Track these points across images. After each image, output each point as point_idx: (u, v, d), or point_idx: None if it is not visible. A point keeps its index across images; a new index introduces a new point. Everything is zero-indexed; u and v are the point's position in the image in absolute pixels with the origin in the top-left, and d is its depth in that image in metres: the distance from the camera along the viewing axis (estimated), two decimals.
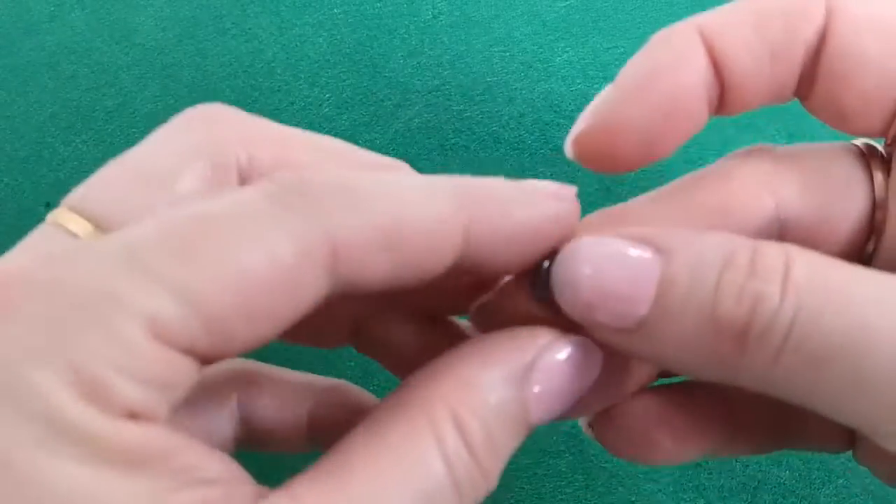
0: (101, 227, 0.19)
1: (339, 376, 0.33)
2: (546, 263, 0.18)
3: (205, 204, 0.15)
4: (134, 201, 0.19)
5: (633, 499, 0.31)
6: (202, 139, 0.20)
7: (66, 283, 0.14)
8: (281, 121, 0.40)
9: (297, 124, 0.41)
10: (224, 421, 0.23)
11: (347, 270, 0.15)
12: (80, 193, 0.19)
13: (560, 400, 0.17)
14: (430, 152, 0.38)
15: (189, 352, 0.14)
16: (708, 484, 0.31)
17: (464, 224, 0.16)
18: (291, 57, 0.42)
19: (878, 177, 0.19)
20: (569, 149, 0.20)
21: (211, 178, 0.20)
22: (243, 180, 0.21)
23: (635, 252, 0.16)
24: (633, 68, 0.19)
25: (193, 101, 0.43)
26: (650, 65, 0.19)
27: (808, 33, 0.18)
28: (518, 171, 0.38)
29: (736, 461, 0.32)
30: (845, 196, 0.19)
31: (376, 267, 0.15)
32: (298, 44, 0.42)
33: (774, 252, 0.16)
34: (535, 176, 0.39)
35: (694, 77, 0.18)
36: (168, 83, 0.42)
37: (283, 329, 0.15)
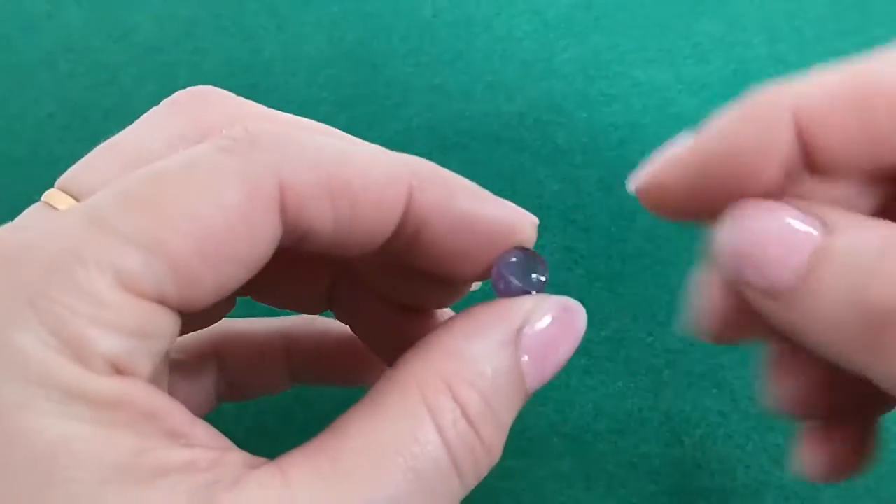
0: None
1: None
2: (502, 261, 0.18)
3: (158, 163, 0.16)
4: None
5: (635, 501, 0.31)
6: (188, 122, 0.20)
7: (31, 247, 0.14)
8: None
9: None
10: (207, 382, 0.24)
11: (295, 214, 0.16)
12: (70, 174, 0.20)
13: (553, 362, 0.18)
14: (430, 152, 0.38)
15: (160, 300, 0.15)
16: (711, 486, 0.31)
17: (407, 186, 0.17)
18: (290, 56, 0.41)
19: None
20: (631, 188, 0.20)
21: None
22: None
23: (799, 219, 0.16)
24: (713, 139, 0.18)
25: None
26: (728, 143, 0.17)
27: None
28: (518, 171, 0.38)
29: (739, 463, 0.31)
30: None
31: (323, 214, 0.16)
32: (297, 42, 0.42)
33: None
34: (536, 175, 0.39)
35: (769, 169, 0.17)
36: (166, 82, 0.41)
37: (249, 273, 0.16)
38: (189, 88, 0.22)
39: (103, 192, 0.15)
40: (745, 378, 0.33)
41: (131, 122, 0.21)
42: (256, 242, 0.15)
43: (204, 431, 0.15)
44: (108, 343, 0.14)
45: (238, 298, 0.22)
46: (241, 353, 0.24)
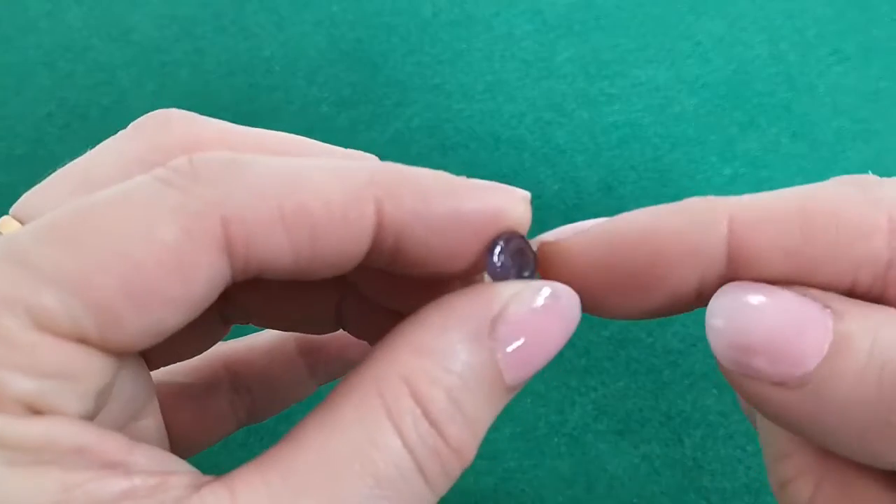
0: None
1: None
2: (496, 247, 0.16)
3: (93, 195, 0.15)
4: None
5: (635, 501, 0.31)
6: (145, 146, 0.20)
7: None
8: (280, 120, 0.40)
9: (295, 123, 0.41)
10: (219, 404, 0.23)
11: (246, 251, 0.15)
12: (23, 201, 0.19)
13: (538, 354, 0.16)
14: (430, 152, 0.38)
15: (81, 340, 0.14)
16: (711, 486, 0.31)
17: (373, 201, 0.15)
18: (290, 55, 0.41)
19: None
20: (536, 245, 0.18)
21: None
22: None
23: (810, 304, 0.15)
24: (640, 220, 0.16)
25: (191, 100, 0.43)
26: (656, 229, 0.16)
27: (864, 255, 0.15)
28: (518, 170, 0.38)
29: (739, 463, 0.31)
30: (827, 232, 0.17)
31: (277, 246, 0.15)
32: (297, 42, 0.42)
33: None
34: (536, 175, 0.39)
35: (688, 269, 0.16)
36: (166, 81, 0.41)
37: (187, 315, 0.15)
38: (155, 112, 0.21)
39: (29, 225, 0.14)
40: None
41: (130, 121, 0.21)
42: (193, 283, 0.14)
43: (146, 457, 0.14)
44: (21, 385, 0.13)
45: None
46: (258, 367, 0.23)
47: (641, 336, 0.34)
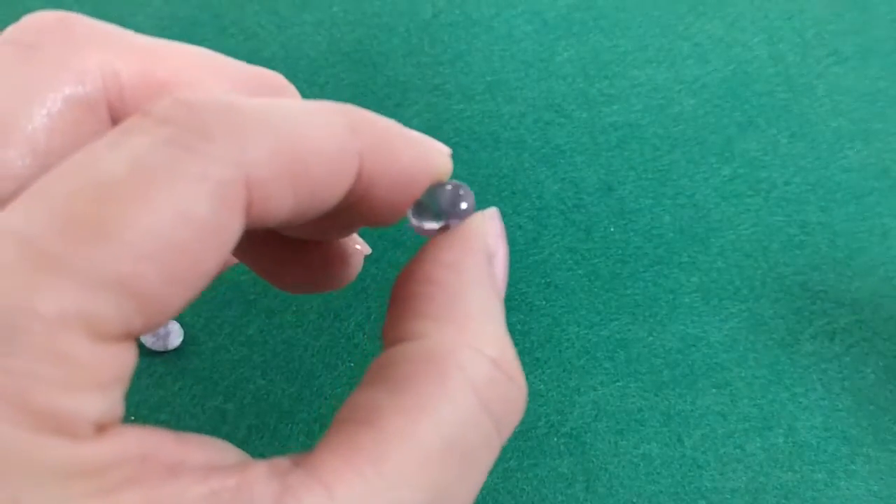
0: None
1: (338, 377, 0.33)
2: (429, 199, 0.17)
3: (94, 168, 0.13)
4: None
5: (635, 500, 0.31)
6: (53, 70, 0.17)
7: None
8: None
9: None
10: None
11: (260, 210, 0.14)
12: None
13: (505, 275, 0.17)
14: None
15: (128, 336, 0.13)
16: (710, 486, 0.31)
17: (358, 156, 0.15)
18: (290, 55, 0.41)
19: None
20: None
21: (71, 118, 0.17)
22: (114, 108, 0.18)
23: None
24: None
25: None
26: None
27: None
28: (518, 170, 0.38)
29: (739, 463, 0.31)
30: None
31: (283, 200, 0.14)
32: (297, 42, 0.42)
33: None
34: (536, 175, 0.39)
35: None
36: None
37: (210, 280, 0.14)
38: (31, 17, 0.18)
39: (32, 214, 0.12)
40: (745, 378, 0.33)
41: None
42: (222, 250, 0.13)
43: (198, 446, 0.13)
44: (93, 407, 0.12)
45: None
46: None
47: (641, 336, 0.34)
